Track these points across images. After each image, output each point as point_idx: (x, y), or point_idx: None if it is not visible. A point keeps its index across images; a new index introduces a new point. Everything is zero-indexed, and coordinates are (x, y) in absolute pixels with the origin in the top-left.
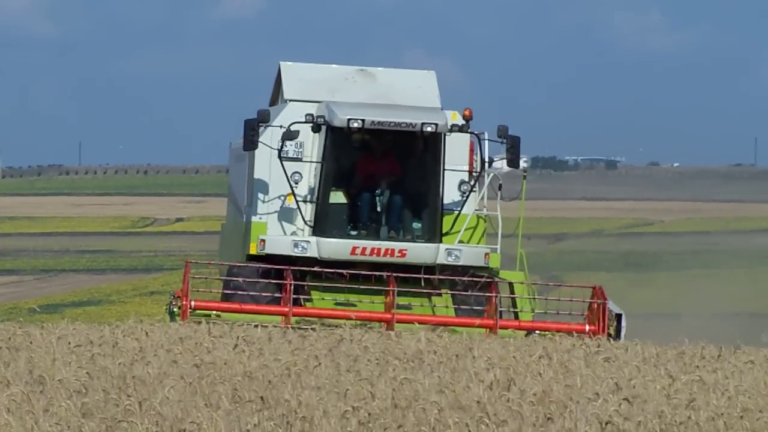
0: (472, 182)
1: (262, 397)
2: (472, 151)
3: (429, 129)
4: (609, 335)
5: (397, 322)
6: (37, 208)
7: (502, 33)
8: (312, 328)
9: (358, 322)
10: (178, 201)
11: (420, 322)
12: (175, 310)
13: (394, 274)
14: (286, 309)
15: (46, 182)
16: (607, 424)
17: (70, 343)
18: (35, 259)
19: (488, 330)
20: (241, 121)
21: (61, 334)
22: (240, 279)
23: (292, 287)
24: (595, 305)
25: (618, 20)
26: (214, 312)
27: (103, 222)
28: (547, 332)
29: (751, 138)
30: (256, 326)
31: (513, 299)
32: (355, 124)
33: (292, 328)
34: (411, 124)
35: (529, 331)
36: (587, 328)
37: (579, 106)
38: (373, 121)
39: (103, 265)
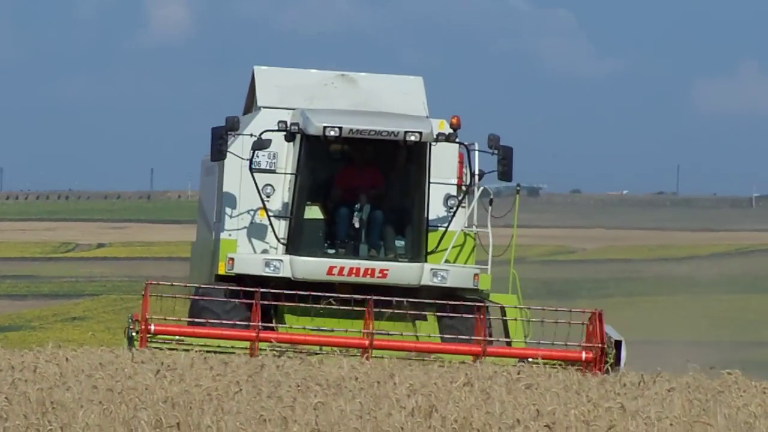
0: (460, 196)
1: (179, 424)
2: (461, 163)
3: (412, 138)
4: (607, 363)
5: (376, 348)
6: None
7: (429, 56)
8: (287, 356)
9: (334, 349)
10: (99, 227)
11: (400, 349)
12: (133, 334)
13: (374, 297)
14: (253, 334)
15: None
16: None
17: None
18: None
19: (475, 357)
20: (172, 146)
21: None
22: (204, 299)
23: (264, 310)
24: (592, 332)
25: (545, 45)
26: (177, 337)
27: (24, 247)
28: (539, 360)
29: (674, 166)
30: (216, 353)
31: (505, 325)
32: (332, 133)
33: (260, 354)
34: (393, 132)
35: (522, 359)
36: (584, 355)
37: (501, 130)
38: (351, 129)
39: (24, 290)
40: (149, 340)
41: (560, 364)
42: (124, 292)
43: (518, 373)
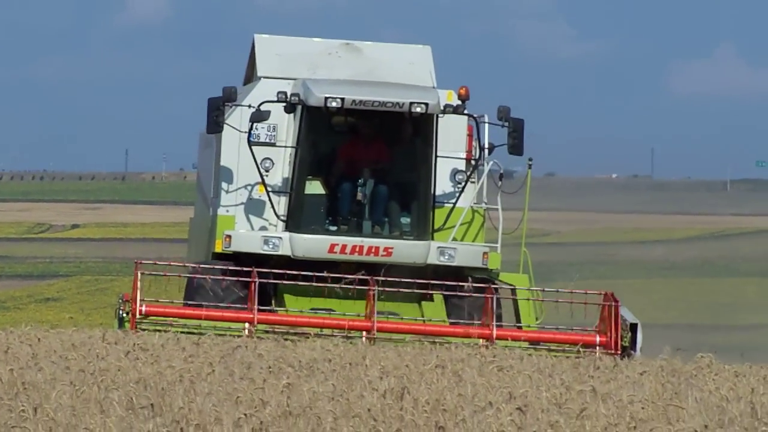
0: (468, 171)
1: (153, 404)
2: (470, 136)
3: (418, 110)
4: (623, 347)
5: (379, 331)
6: None
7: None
8: (285, 339)
9: (336, 331)
10: (74, 207)
11: (405, 332)
12: (123, 315)
13: (378, 278)
14: (251, 315)
15: None
16: None
17: None
18: None
19: (485, 341)
20: (147, 128)
21: None
22: (198, 278)
23: (262, 290)
24: (607, 314)
25: (523, 27)
26: (168, 317)
27: (3, 229)
28: (553, 344)
29: (648, 149)
30: (210, 334)
31: (516, 306)
32: (334, 104)
33: (257, 337)
34: (398, 103)
35: (533, 343)
36: (598, 339)
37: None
38: (354, 100)
39: (1, 270)
40: (140, 321)
41: (569, 348)
42: (98, 273)
43: (493, 356)
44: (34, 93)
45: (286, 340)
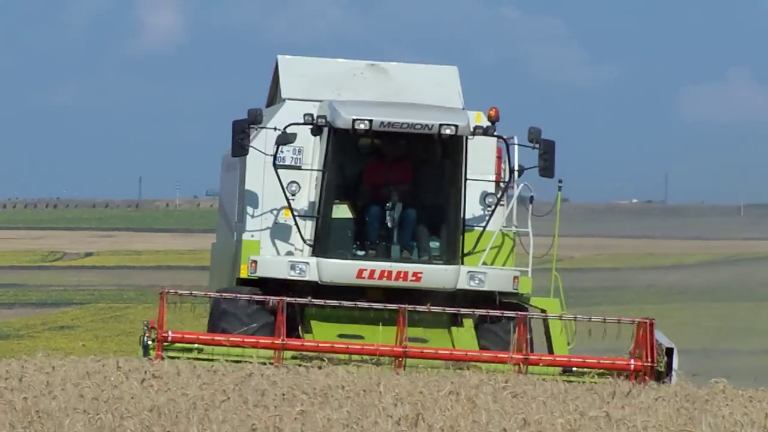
0: (498, 194)
1: None
2: (499, 158)
3: (448, 131)
4: (658, 372)
5: (410, 357)
6: None
7: None
8: (314, 366)
9: (365, 357)
10: (87, 235)
11: (437, 358)
12: (149, 342)
13: (408, 307)
14: (279, 342)
15: None
16: None
17: None
18: None
19: (518, 367)
20: (161, 155)
21: None
22: (225, 303)
23: (289, 316)
24: (642, 339)
25: (536, 51)
26: (196, 345)
27: (12, 256)
28: (586, 369)
29: (662, 175)
30: (237, 362)
31: (547, 331)
32: (362, 126)
33: (286, 366)
34: (427, 125)
35: (566, 369)
36: (632, 364)
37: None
38: (382, 122)
39: (12, 299)
40: (166, 348)
41: (608, 373)
42: (112, 301)
43: (506, 382)
44: (48, 120)
45: (318, 368)
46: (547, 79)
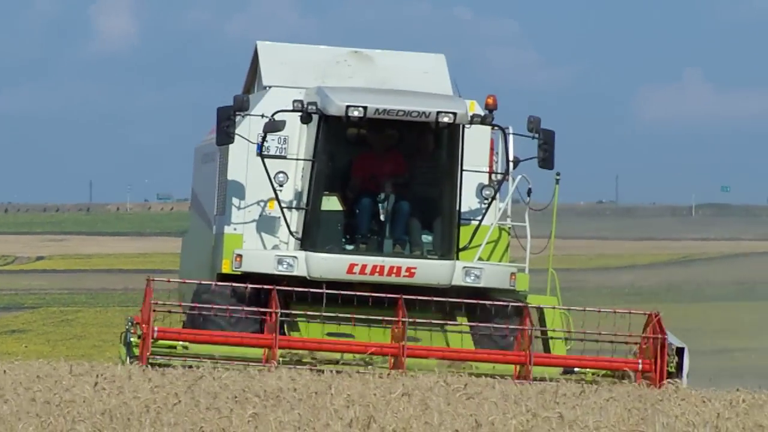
0: (495, 186)
1: None
2: (492, 149)
3: (446, 119)
4: (669, 373)
5: (410, 356)
6: None
7: None
8: (306, 366)
9: (359, 355)
10: (38, 239)
11: (438, 357)
12: (132, 339)
13: (405, 297)
14: (270, 339)
15: None
16: None
17: None
18: None
19: (519, 367)
20: (111, 159)
21: None
22: (212, 306)
23: (277, 314)
24: (651, 337)
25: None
26: (180, 343)
27: None
28: (590, 370)
29: (613, 176)
30: (214, 362)
31: (544, 330)
32: (356, 113)
33: (277, 364)
34: (424, 113)
35: (568, 369)
36: (640, 364)
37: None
38: (377, 109)
39: None
40: (153, 348)
41: (607, 374)
42: (63, 305)
43: (458, 384)
44: None
45: (311, 370)
46: (500, 80)
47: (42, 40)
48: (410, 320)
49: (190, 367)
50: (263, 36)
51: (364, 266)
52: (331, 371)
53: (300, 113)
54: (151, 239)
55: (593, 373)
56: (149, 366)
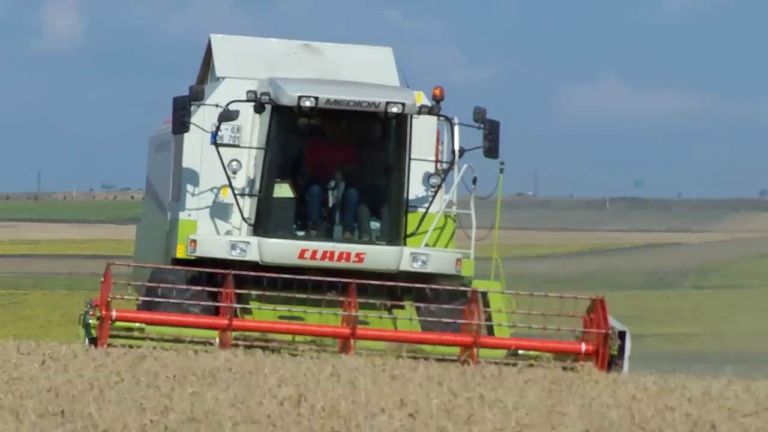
0: (441, 175)
1: (64, 411)
2: (438, 139)
3: (394, 110)
4: (611, 356)
5: (359, 338)
6: None
7: None
8: (257, 346)
9: (309, 338)
10: None
11: (388, 340)
12: (91, 321)
13: (356, 281)
14: (225, 321)
15: None
16: None
17: None
18: None
19: (464, 349)
20: (59, 149)
21: None
22: (168, 285)
23: (233, 296)
24: (594, 321)
25: (415, 52)
26: (137, 325)
27: None
28: (534, 352)
29: (532, 169)
30: (169, 343)
31: (488, 314)
32: (308, 103)
33: (232, 345)
34: (374, 103)
35: (513, 351)
36: (583, 347)
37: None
38: (328, 99)
39: None
40: (112, 330)
41: (551, 357)
42: (11, 288)
43: (383, 364)
44: None
45: (263, 349)
46: (423, 79)
47: None
48: (361, 303)
49: (138, 347)
50: (206, 30)
51: (314, 252)
52: (264, 350)
53: (253, 103)
54: (96, 226)
55: (537, 356)
56: (107, 347)
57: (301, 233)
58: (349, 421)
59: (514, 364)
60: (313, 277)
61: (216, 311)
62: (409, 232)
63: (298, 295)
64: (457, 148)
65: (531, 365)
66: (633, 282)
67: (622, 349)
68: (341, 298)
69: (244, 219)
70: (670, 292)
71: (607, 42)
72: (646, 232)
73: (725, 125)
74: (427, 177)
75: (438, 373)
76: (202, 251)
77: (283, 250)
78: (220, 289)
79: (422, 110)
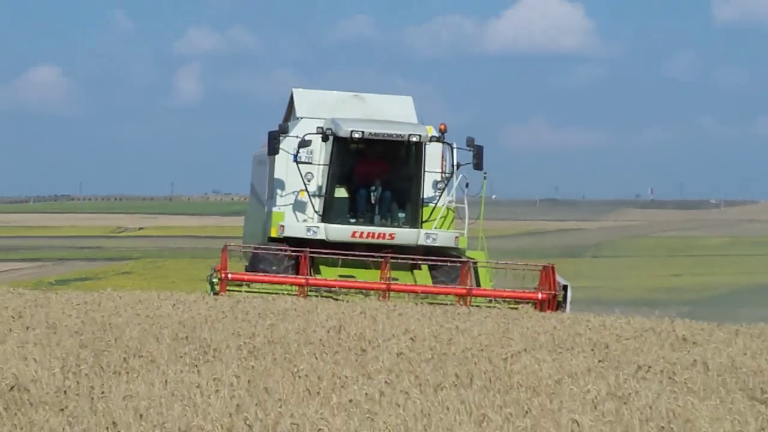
0: (445, 182)
1: (188, 336)
2: (443, 158)
3: (414, 139)
4: (558, 302)
5: (392, 290)
6: (53, 221)
7: None
8: (326, 297)
9: (359, 290)
10: (140, 217)
11: (411, 292)
12: (214, 280)
13: (390, 255)
14: (303, 280)
15: (59, 205)
16: (399, 354)
17: (72, 303)
18: (52, 251)
19: (460, 297)
20: (186, 162)
21: (67, 298)
22: (268, 253)
23: (308, 263)
24: (546, 278)
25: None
26: (246, 281)
27: (94, 230)
28: (506, 300)
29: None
30: (273, 295)
31: (476, 273)
32: (357, 135)
33: (307, 296)
34: (400, 135)
35: (493, 299)
36: (540, 295)
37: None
38: (371, 133)
39: (94, 255)
40: (230, 285)
41: (518, 303)
42: (155, 257)
43: (395, 306)
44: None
45: (325, 297)
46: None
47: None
48: (392, 265)
49: (245, 296)
50: (287, 88)
51: (362, 233)
52: (321, 297)
53: (321, 135)
54: (208, 218)
55: (507, 301)
56: (218, 295)
57: (352, 220)
58: (371, 342)
59: (491, 307)
60: (361, 253)
61: (297, 272)
62: (423, 219)
63: (352, 264)
64: (455, 163)
65: (495, 307)
66: (554, 253)
67: (565, 297)
68: (380, 263)
69: (315, 211)
70: (578, 260)
71: (537, 97)
72: (562, 221)
73: (615, 149)
74: (435, 183)
75: (429, 312)
76: (288, 232)
77: (340, 231)
78: (300, 257)
79: (432, 139)
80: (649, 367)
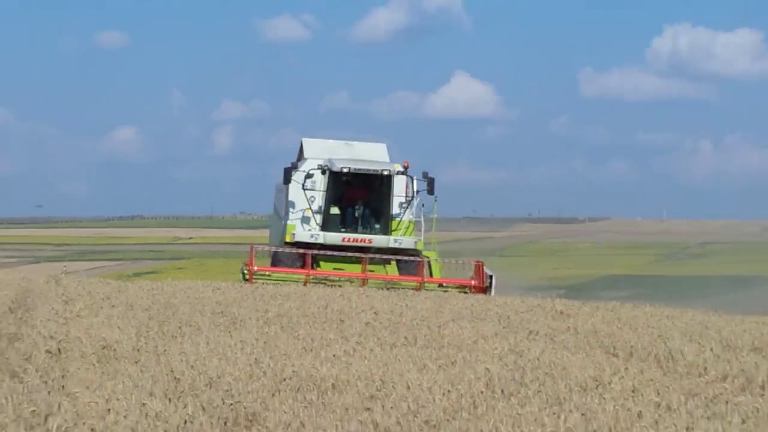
0: (407, 203)
1: (223, 312)
2: (406, 186)
3: (386, 173)
4: (486, 287)
5: (369, 278)
6: (129, 233)
7: None
8: (322, 283)
9: (346, 278)
10: (190, 230)
11: (382, 279)
12: (245, 271)
13: (369, 256)
14: (307, 271)
15: (134, 222)
16: (367, 323)
17: (143, 289)
18: (129, 254)
19: (418, 284)
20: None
21: (140, 286)
22: (284, 253)
23: (311, 260)
24: (477, 270)
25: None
26: (268, 272)
27: (158, 239)
28: (450, 285)
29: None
30: (287, 282)
31: (430, 268)
32: (345, 170)
33: (309, 283)
34: (376, 170)
35: (441, 285)
36: (473, 282)
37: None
38: (356, 168)
39: (158, 256)
40: (255, 275)
41: (459, 288)
42: (202, 258)
43: (364, 291)
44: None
45: (322, 284)
46: (399, 158)
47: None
48: (369, 261)
49: (264, 283)
50: (288, 142)
51: (349, 239)
52: (322, 284)
53: (321, 170)
54: (237, 231)
55: (452, 286)
56: (247, 283)
57: (342, 230)
58: (347, 315)
59: (443, 291)
60: (348, 252)
61: (303, 266)
62: (392, 229)
63: (342, 259)
64: (415, 190)
65: (446, 290)
66: (473, 254)
67: (491, 284)
68: (362, 260)
69: (317, 224)
70: (490, 258)
71: (462, 147)
72: (477, 232)
73: (514, 183)
74: (401, 204)
75: (389, 294)
76: (298, 239)
77: (334, 238)
78: (306, 255)
79: (398, 173)
80: (537, 331)
